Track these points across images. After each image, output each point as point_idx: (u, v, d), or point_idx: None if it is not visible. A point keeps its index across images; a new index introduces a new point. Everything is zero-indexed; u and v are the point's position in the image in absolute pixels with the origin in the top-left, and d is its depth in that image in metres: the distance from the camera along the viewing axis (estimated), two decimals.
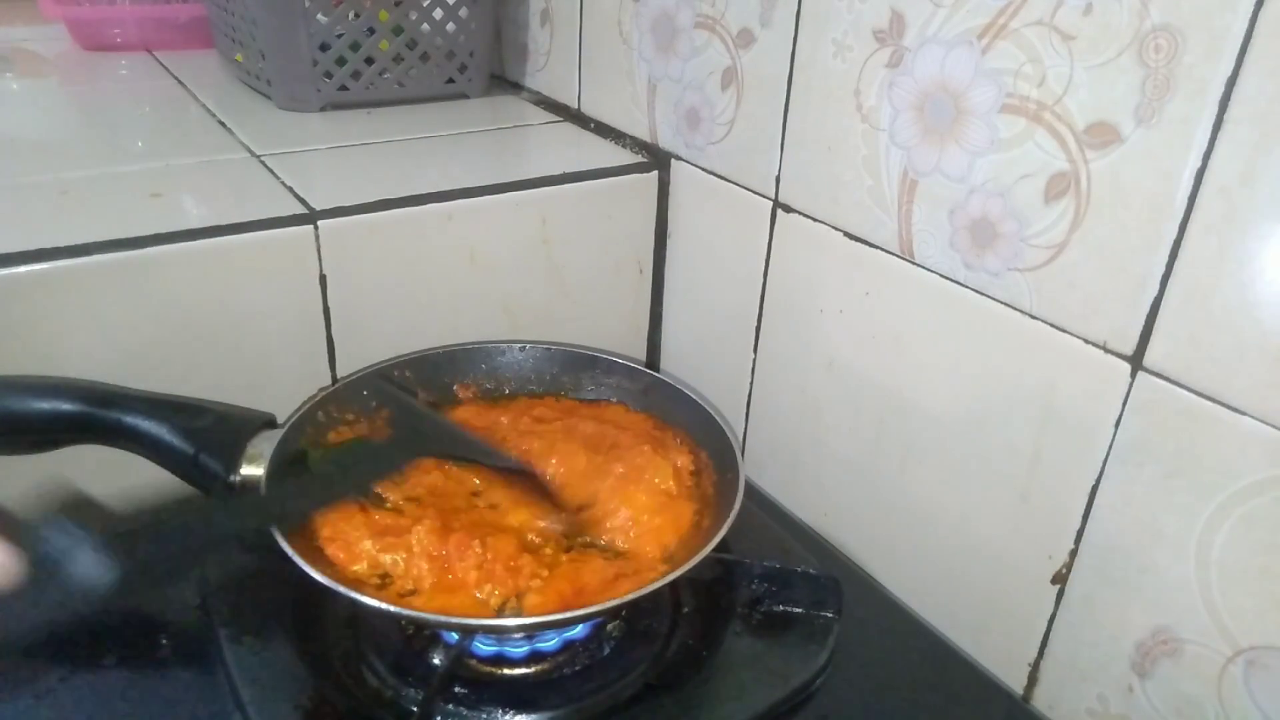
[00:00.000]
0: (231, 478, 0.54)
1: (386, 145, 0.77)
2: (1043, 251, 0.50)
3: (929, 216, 0.55)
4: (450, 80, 0.89)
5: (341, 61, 0.82)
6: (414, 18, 0.85)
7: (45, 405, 0.52)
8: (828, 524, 0.69)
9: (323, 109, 0.84)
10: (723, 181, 0.71)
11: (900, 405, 0.61)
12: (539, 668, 0.53)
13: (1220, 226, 0.42)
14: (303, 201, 0.64)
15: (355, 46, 0.83)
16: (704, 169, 0.73)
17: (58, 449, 0.54)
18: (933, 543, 0.61)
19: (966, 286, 0.54)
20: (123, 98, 0.89)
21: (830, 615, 0.56)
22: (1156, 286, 0.45)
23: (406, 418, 0.61)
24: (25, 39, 1.05)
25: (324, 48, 0.81)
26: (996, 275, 0.52)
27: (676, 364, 0.83)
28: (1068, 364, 0.50)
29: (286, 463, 0.55)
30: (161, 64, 0.97)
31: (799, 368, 0.68)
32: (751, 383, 0.74)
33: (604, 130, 0.83)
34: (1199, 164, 0.42)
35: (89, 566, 0.28)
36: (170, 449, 0.54)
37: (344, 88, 0.84)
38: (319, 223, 0.62)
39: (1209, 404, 0.44)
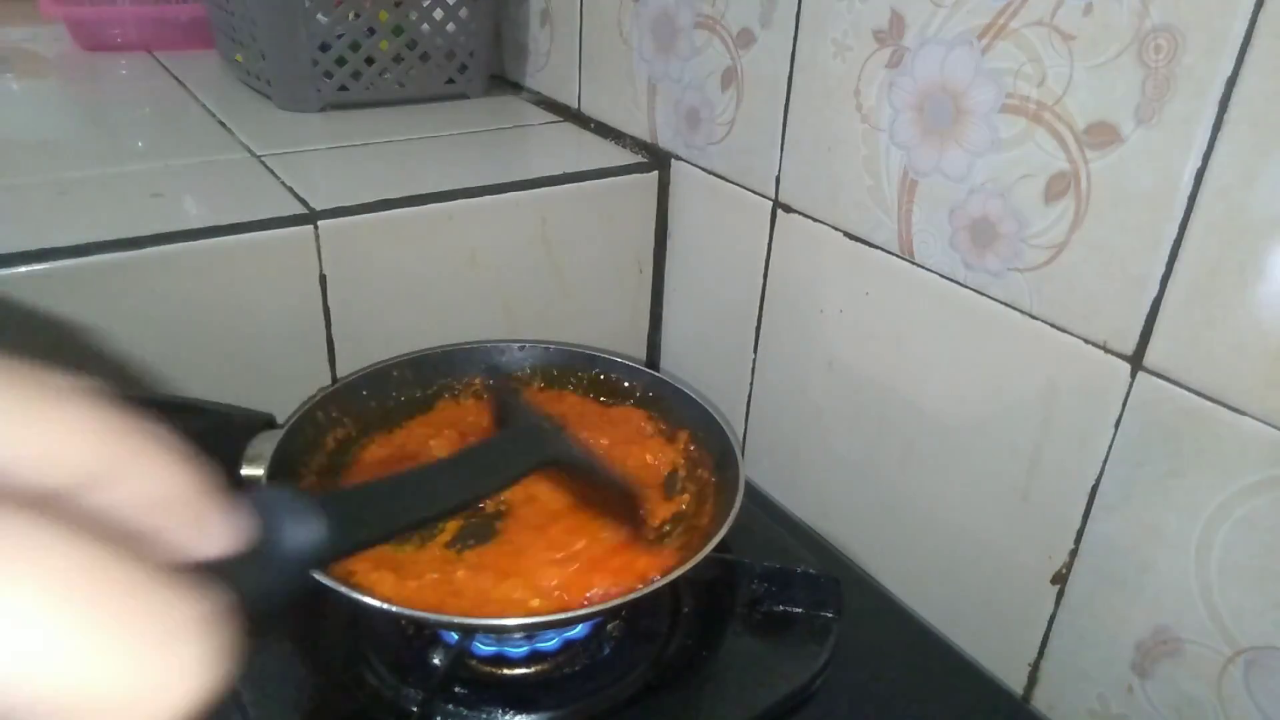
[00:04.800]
0: (231, 478, 0.55)
1: (386, 145, 0.77)
2: (1043, 251, 0.50)
3: (929, 216, 0.55)
4: (450, 80, 0.89)
5: (341, 61, 0.82)
6: (414, 18, 0.85)
7: None
8: (828, 524, 0.69)
9: (323, 109, 0.84)
10: (723, 181, 0.71)
11: (900, 405, 0.61)
12: (539, 668, 0.53)
13: (1220, 226, 0.42)
14: (303, 201, 0.64)
15: (355, 46, 0.83)
16: (704, 169, 0.73)
17: None
18: (933, 543, 0.61)
19: (966, 286, 0.54)
20: (123, 98, 0.89)
21: (830, 615, 0.56)
22: (1156, 286, 0.45)
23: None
24: (25, 39, 1.05)
25: (324, 48, 0.81)
26: (996, 275, 0.52)
27: (676, 364, 0.83)
28: (1068, 364, 0.50)
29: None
30: (161, 64, 0.97)
31: (799, 368, 0.68)
32: (751, 383, 0.74)
33: (604, 130, 0.83)
34: (1199, 164, 0.42)
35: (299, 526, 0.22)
36: None
37: (344, 88, 0.84)
38: (319, 223, 0.62)
39: (1209, 404, 0.44)
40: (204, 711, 0.15)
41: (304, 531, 0.20)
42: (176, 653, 0.15)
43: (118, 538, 0.15)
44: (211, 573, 0.17)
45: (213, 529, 0.18)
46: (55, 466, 0.16)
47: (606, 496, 0.53)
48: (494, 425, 0.59)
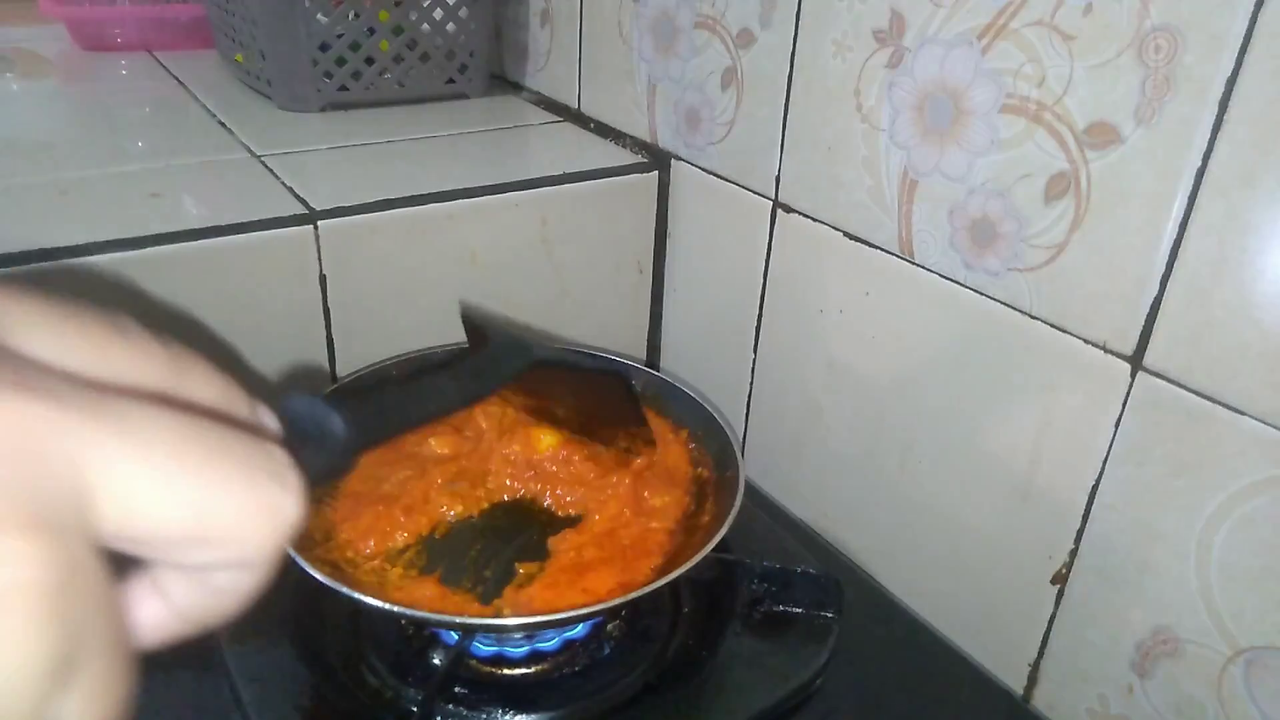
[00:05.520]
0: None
1: (386, 145, 0.77)
2: (1043, 252, 0.50)
3: (929, 216, 0.55)
4: (450, 80, 0.89)
5: (341, 61, 0.82)
6: (414, 18, 0.85)
7: None
8: (828, 524, 0.69)
9: (323, 109, 0.84)
10: (723, 181, 0.71)
11: (900, 405, 0.61)
12: (539, 668, 0.53)
13: (1220, 226, 0.42)
14: (303, 201, 0.64)
15: (355, 46, 0.83)
16: (704, 169, 0.73)
17: None
18: (933, 543, 0.61)
19: (966, 286, 0.54)
20: (123, 98, 0.89)
21: (830, 615, 0.56)
22: (1156, 286, 0.45)
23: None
24: (25, 39, 1.05)
25: (324, 48, 0.81)
26: (996, 275, 0.52)
27: (676, 364, 0.83)
28: (1068, 364, 0.50)
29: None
30: (161, 64, 0.97)
31: (799, 368, 0.68)
32: (751, 383, 0.74)
33: (604, 130, 0.83)
34: (1199, 164, 0.42)
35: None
36: None
37: (344, 88, 0.84)
38: (319, 223, 0.62)
39: (1209, 404, 0.44)
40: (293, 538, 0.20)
41: (331, 426, 0.25)
42: (271, 491, 0.19)
43: (209, 415, 0.19)
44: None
45: (265, 422, 0.22)
46: (141, 379, 0.19)
47: (595, 391, 0.57)
48: (472, 346, 0.62)
